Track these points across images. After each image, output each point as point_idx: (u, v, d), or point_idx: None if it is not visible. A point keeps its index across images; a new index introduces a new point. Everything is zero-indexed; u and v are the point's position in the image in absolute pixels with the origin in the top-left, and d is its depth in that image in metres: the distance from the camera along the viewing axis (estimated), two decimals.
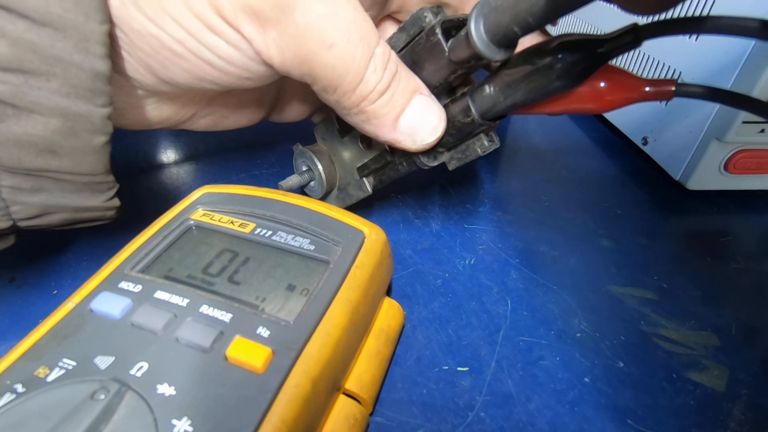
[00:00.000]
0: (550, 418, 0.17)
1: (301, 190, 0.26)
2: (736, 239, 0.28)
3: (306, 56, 0.15)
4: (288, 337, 0.14)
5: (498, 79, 0.16)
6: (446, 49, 0.16)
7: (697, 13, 0.28)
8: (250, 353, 0.13)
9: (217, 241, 0.18)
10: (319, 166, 0.24)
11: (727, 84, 0.26)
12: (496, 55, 0.15)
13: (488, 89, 0.16)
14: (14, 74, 0.13)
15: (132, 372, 0.13)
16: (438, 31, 0.16)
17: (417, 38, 0.17)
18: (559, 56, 0.14)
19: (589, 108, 0.16)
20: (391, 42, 0.18)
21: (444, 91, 0.19)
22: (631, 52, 0.35)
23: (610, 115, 0.39)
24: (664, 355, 0.20)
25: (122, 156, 0.32)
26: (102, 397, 0.12)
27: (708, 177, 0.30)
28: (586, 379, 0.19)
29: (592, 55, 0.14)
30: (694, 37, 0.29)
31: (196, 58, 0.16)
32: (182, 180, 0.30)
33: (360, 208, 0.26)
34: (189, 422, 0.12)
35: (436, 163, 0.20)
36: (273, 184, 0.28)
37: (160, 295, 0.15)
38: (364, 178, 0.23)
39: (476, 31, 0.14)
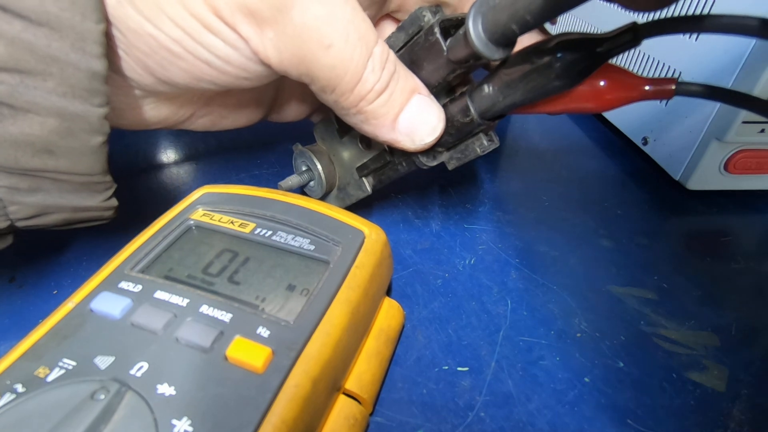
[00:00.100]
0: (550, 418, 0.17)
1: (301, 190, 0.26)
2: (736, 239, 0.28)
3: (304, 56, 0.15)
4: (288, 337, 0.14)
5: (497, 78, 0.16)
6: (445, 49, 0.16)
7: (697, 12, 0.28)
8: (250, 353, 0.13)
9: (217, 241, 0.18)
10: (319, 166, 0.24)
11: (727, 84, 0.26)
12: (495, 54, 0.15)
13: (487, 89, 0.16)
14: (10, 74, 0.13)
15: (132, 372, 0.13)
16: (436, 30, 0.16)
17: (415, 38, 0.17)
18: (558, 55, 0.14)
19: (589, 107, 0.16)
20: (390, 41, 0.18)
21: (443, 91, 0.19)
22: (631, 52, 0.35)
23: (610, 115, 0.39)
24: (664, 355, 0.20)
25: (122, 156, 0.32)
26: (102, 397, 0.12)
27: (708, 177, 0.30)
28: (586, 379, 0.19)
29: (592, 54, 0.14)
30: (694, 36, 0.29)
31: (194, 58, 0.16)
32: (182, 180, 0.30)
33: (360, 208, 0.26)
34: (189, 422, 0.12)
35: (435, 163, 0.20)
36: (273, 184, 0.28)
37: (160, 295, 0.15)
38: (364, 178, 0.23)
39: (474, 30, 0.14)
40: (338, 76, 0.16)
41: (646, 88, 0.15)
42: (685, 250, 0.27)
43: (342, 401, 0.15)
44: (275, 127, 0.28)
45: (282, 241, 0.18)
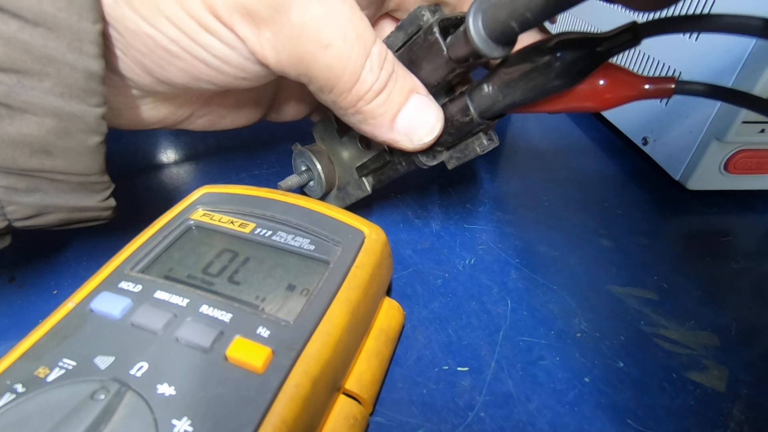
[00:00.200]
0: (550, 418, 0.17)
1: (301, 190, 0.26)
2: (736, 239, 0.28)
3: (302, 56, 0.15)
4: (288, 337, 0.14)
5: (497, 77, 0.16)
6: (444, 48, 0.16)
7: (698, 12, 0.28)
8: (250, 353, 0.13)
9: (217, 241, 0.18)
10: (318, 166, 0.24)
11: (727, 84, 0.26)
12: (494, 52, 0.14)
13: (487, 88, 0.16)
14: (7, 74, 0.13)
15: (132, 372, 0.13)
16: (436, 29, 0.16)
17: (414, 37, 0.17)
18: (558, 54, 0.14)
19: (589, 106, 0.16)
20: (389, 41, 0.18)
21: (442, 90, 0.19)
22: (631, 52, 0.35)
23: (610, 115, 0.39)
24: (664, 355, 0.20)
25: (121, 156, 0.32)
26: (102, 397, 0.12)
27: (708, 177, 0.30)
28: (586, 379, 0.19)
29: (592, 53, 0.14)
30: (694, 36, 0.29)
31: (191, 58, 0.16)
32: (182, 180, 0.30)
33: (360, 208, 0.26)
34: (189, 422, 0.12)
35: (435, 163, 0.20)
36: (273, 184, 0.28)
37: (160, 295, 0.15)
38: (363, 178, 0.23)
39: (474, 27, 0.14)
40: (336, 76, 0.16)
41: (646, 86, 0.15)
42: (685, 250, 0.27)
43: (342, 401, 0.15)
44: (275, 127, 0.27)
45: (282, 241, 0.18)
